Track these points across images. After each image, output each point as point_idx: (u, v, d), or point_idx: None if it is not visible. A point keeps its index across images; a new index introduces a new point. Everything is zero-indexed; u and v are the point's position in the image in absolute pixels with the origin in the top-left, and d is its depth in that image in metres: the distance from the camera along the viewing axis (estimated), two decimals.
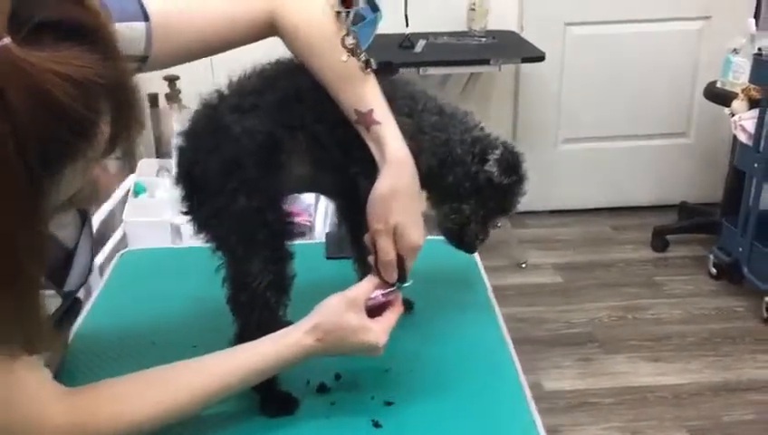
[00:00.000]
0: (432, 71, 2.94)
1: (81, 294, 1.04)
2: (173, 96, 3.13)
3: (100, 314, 1.27)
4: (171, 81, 3.17)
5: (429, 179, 1.11)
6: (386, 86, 1.06)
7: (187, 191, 1.01)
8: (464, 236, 1.13)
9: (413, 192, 1.01)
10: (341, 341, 0.95)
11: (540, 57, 2.98)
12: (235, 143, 0.97)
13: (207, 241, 1.01)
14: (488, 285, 1.31)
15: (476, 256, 1.38)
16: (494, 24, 3.32)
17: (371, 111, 0.99)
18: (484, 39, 3.19)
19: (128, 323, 1.23)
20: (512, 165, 1.09)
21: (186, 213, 1.03)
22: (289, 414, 1.01)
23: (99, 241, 1.91)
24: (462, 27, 3.30)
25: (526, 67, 3.43)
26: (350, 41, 0.97)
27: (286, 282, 1.01)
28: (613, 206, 3.72)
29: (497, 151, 1.08)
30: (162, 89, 3.19)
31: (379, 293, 0.98)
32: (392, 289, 1.00)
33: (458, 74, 3.18)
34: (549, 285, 3.12)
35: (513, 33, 3.35)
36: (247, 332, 1.00)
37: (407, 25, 3.08)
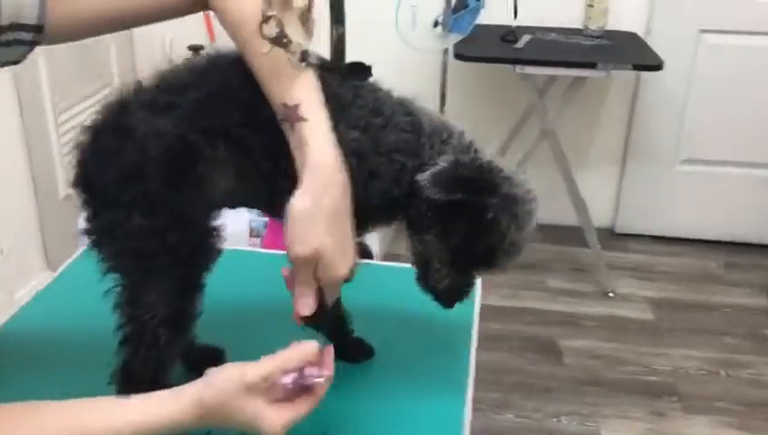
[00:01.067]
0: (530, 70, 2.67)
1: None
2: None
3: (40, 308, 1.16)
4: None
5: (388, 208, 0.91)
6: (344, 91, 0.87)
7: (83, 198, 0.85)
8: (426, 274, 0.92)
9: (341, 208, 0.81)
10: (226, 419, 0.76)
11: (656, 66, 2.63)
12: (137, 147, 0.81)
13: (99, 260, 0.86)
14: (475, 333, 1.09)
15: (477, 292, 1.16)
16: (616, 25, 2.99)
17: (298, 105, 0.81)
18: (597, 40, 2.87)
19: (67, 321, 1.11)
20: (458, 180, 0.83)
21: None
22: None
23: None
24: (577, 25, 3.00)
25: (648, 76, 3.07)
26: (269, 30, 0.78)
27: (187, 320, 0.85)
28: (730, 240, 3.29)
29: (443, 161, 0.85)
30: None
31: (289, 379, 0.76)
32: (316, 376, 0.77)
33: (565, 77, 2.86)
34: (636, 321, 2.78)
35: (634, 35, 3.00)
36: (126, 372, 0.85)
37: (515, 17, 2.84)
